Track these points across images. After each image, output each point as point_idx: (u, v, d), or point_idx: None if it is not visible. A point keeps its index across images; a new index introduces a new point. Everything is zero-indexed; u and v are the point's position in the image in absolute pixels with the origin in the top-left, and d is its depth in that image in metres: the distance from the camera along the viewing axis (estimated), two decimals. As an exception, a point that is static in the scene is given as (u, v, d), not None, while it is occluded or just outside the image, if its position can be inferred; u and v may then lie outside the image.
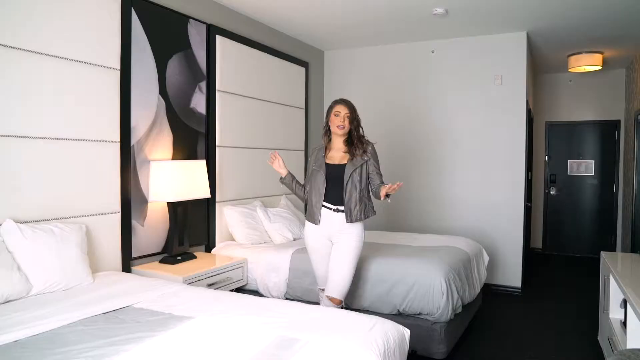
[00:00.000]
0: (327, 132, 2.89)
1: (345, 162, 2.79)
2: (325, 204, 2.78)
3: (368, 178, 2.82)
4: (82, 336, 1.77)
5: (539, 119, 6.90)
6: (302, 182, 2.99)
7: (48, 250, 2.35)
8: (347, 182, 2.73)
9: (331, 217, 2.77)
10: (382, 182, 2.82)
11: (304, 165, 4.90)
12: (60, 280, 2.35)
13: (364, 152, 2.80)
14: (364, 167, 2.79)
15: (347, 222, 2.74)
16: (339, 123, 2.77)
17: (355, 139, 2.81)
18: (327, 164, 2.80)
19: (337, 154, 2.83)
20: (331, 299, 2.75)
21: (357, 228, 2.78)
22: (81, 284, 2.45)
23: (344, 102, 2.82)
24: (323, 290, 2.88)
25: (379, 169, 2.86)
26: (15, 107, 2.42)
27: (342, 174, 2.75)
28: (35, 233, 2.35)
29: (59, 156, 2.63)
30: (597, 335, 3.41)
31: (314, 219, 2.79)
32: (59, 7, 2.61)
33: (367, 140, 2.87)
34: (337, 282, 2.74)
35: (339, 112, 2.78)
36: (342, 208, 2.75)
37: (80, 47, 2.73)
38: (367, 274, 3.10)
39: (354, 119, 2.81)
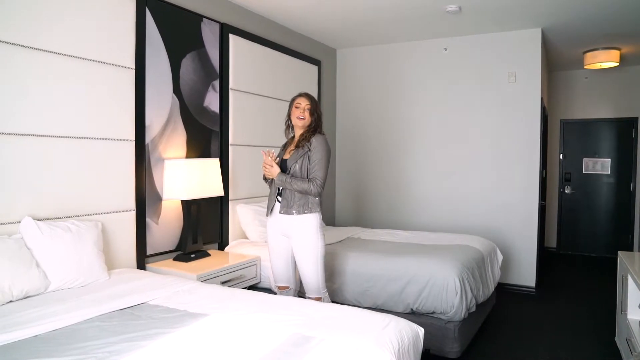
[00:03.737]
0: (289, 127, 2.93)
1: (289, 156, 2.83)
2: (278, 198, 2.80)
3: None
4: (99, 332, 1.80)
5: (553, 116, 6.82)
6: None
7: (65, 247, 2.39)
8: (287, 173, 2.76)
9: (276, 209, 2.82)
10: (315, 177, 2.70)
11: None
12: (77, 277, 2.38)
13: (308, 141, 2.74)
14: (305, 157, 2.73)
15: (283, 214, 2.72)
16: (299, 114, 2.78)
17: (313, 133, 2.79)
18: (282, 159, 2.84)
19: (292, 146, 2.87)
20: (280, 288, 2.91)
21: (305, 222, 2.70)
22: (97, 280, 2.48)
23: (305, 94, 2.85)
24: (280, 288, 2.91)
25: (319, 163, 2.71)
26: (33, 107, 2.45)
27: (285, 168, 2.79)
28: (52, 230, 2.39)
29: (76, 155, 2.67)
30: (615, 336, 3.36)
31: (267, 210, 2.87)
32: (75, 7, 2.64)
33: (320, 132, 2.80)
34: (307, 282, 2.77)
35: (300, 104, 2.80)
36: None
37: (95, 46, 2.76)
38: (380, 272, 3.09)
39: (314, 111, 2.81)
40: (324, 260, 2.78)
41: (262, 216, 3.87)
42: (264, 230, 3.78)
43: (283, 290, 2.91)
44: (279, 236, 2.83)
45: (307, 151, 2.74)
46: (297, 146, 2.80)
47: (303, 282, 2.80)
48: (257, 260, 3.41)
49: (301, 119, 2.79)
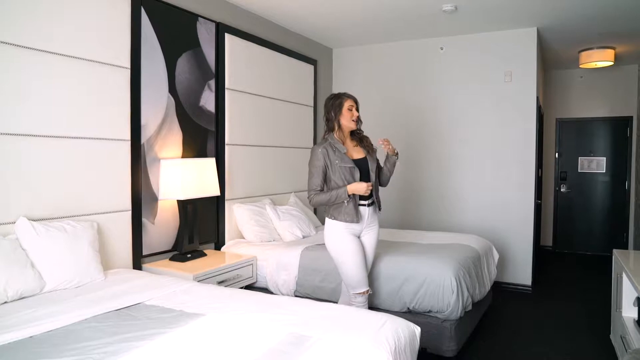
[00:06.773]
0: (338, 127, 2.80)
1: (362, 156, 2.83)
2: (369, 201, 2.81)
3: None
4: (96, 333, 1.79)
5: (549, 115, 6.84)
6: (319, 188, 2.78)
7: (61, 248, 2.38)
8: (375, 175, 2.84)
9: (365, 212, 2.80)
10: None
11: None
12: (72, 278, 2.37)
13: (372, 145, 2.91)
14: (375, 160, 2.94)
15: (376, 213, 2.88)
16: (354, 117, 2.79)
17: (360, 133, 2.90)
18: (354, 160, 2.77)
19: (349, 148, 2.84)
20: (366, 292, 2.77)
21: (377, 217, 2.93)
22: (93, 281, 2.47)
23: (352, 96, 2.85)
24: (362, 293, 2.75)
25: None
26: (27, 107, 2.44)
27: (368, 168, 2.81)
28: (48, 231, 2.38)
29: (71, 155, 2.66)
30: (610, 334, 3.38)
31: (354, 218, 2.71)
32: (70, 6, 2.63)
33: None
34: (369, 272, 2.89)
35: (353, 106, 2.81)
36: (370, 201, 2.82)
37: (91, 46, 2.74)
38: (377, 272, 3.09)
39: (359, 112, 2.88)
40: None
41: (258, 216, 3.87)
42: (260, 230, 3.79)
43: (365, 295, 2.76)
44: (356, 239, 2.80)
45: (375, 151, 2.93)
46: (364, 148, 2.86)
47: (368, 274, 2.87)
48: (254, 260, 3.40)
49: (354, 122, 2.81)
